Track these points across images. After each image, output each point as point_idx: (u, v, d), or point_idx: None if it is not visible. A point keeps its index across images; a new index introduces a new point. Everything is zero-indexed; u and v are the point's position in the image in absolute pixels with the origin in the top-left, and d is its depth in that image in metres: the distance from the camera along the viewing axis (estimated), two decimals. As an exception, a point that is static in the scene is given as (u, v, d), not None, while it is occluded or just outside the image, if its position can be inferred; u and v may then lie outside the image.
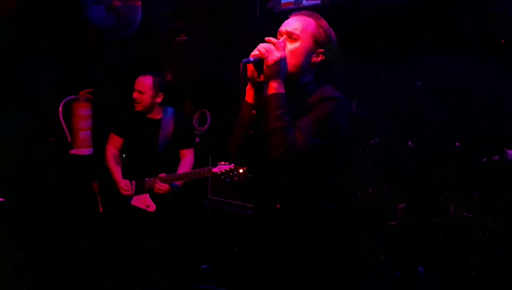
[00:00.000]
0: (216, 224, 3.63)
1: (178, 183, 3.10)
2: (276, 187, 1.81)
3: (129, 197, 3.15)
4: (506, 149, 2.69)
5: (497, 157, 2.72)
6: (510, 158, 2.68)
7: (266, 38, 1.69)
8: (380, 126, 3.09)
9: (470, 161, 2.78)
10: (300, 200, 1.79)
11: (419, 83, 3.00)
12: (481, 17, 2.68)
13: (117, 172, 3.19)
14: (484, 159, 2.76)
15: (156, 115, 3.20)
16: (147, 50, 3.90)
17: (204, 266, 3.57)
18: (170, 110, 3.24)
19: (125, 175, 3.19)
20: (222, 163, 2.88)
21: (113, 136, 3.30)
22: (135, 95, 3.13)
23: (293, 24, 1.75)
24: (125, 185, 3.13)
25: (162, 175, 3.05)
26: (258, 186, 1.91)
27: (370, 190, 3.12)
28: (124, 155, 3.35)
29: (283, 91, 1.66)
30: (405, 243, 2.96)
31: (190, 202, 3.67)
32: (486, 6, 2.66)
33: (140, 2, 3.62)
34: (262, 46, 1.67)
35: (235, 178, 3.46)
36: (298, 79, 1.76)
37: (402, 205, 3.02)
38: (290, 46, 1.73)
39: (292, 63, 1.72)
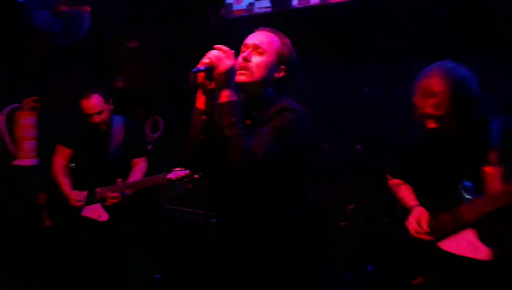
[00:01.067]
0: (170, 233, 3.58)
1: (128, 192, 3.03)
2: (233, 193, 1.83)
3: (80, 208, 3.05)
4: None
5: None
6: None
7: (216, 46, 1.69)
8: (329, 130, 3.19)
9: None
10: (259, 207, 1.80)
11: (367, 88, 3.13)
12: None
13: (66, 183, 3.08)
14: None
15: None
16: (96, 56, 3.81)
17: (157, 276, 3.50)
18: (119, 118, 3.18)
19: (74, 186, 3.09)
20: (177, 169, 2.85)
21: (60, 147, 3.18)
22: (97, 119, 3.01)
23: (259, 38, 1.78)
24: (75, 196, 3.03)
25: (119, 181, 2.99)
26: (214, 192, 1.92)
27: (321, 192, 3.21)
28: (73, 166, 3.23)
29: (235, 98, 1.68)
30: (355, 243, 3.06)
31: (143, 211, 3.59)
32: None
33: (88, 8, 3.53)
34: (212, 54, 1.66)
35: (189, 185, 3.43)
36: (261, 92, 1.79)
37: (351, 206, 3.12)
38: (256, 59, 1.76)
39: (257, 75, 1.75)
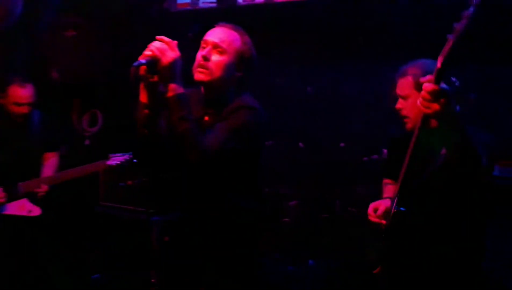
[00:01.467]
0: (108, 231, 3.46)
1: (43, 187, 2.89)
2: (192, 189, 1.81)
3: (1, 205, 2.87)
4: (383, 149, 3.00)
5: (376, 156, 3.02)
6: (386, 157, 3.00)
7: (158, 37, 1.63)
8: (274, 128, 3.22)
9: (353, 160, 3.05)
10: (218, 201, 1.80)
11: (309, 87, 3.20)
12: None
13: None
14: (365, 158, 3.04)
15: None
16: (28, 44, 3.58)
17: (95, 276, 3.38)
18: (36, 112, 3.05)
19: None
20: (115, 155, 2.76)
21: None
22: (25, 110, 2.87)
23: (220, 36, 1.75)
24: None
25: (45, 175, 2.86)
26: (159, 188, 1.89)
27: (266, 189, 3.24)
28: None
29: (182, 90, 1.65)
30: (296, 238, 3.13)
31: (79, 206, 3.45)
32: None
33: (20, -8, 3.31)
34: (155, 46, 1.61)
35: (129, 181, 3.34)
36: (220, 91, 1.78)
37: (294, 202, 3.19)
38: (216, 57, 1.73)
39: (216, 74, 1.73)
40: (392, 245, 1.91)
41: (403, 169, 1.74)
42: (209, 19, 1.84)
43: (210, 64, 1.72)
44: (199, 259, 1.84)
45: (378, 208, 1.96)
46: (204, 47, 1.75)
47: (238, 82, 1.80)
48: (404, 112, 1.85)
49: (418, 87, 1.61)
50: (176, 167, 1.81)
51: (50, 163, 3.07)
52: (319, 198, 3.13)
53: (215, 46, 1.73)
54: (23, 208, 2.89)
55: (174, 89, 1.63)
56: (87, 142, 3.74)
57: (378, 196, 2.95)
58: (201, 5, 3.32)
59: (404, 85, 1.85)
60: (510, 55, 2.61)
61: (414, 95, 1.79)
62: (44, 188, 2.84)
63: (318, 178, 3.13)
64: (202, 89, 1.81)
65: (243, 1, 3.17)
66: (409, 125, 1.85)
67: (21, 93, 2.85)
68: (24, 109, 2.88)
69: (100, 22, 3.62)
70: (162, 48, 1.60)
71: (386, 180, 2.24)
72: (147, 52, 1.61)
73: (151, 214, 3.05)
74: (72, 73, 3.61)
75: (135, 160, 2.65)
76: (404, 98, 1.84)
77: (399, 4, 2.80)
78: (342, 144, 3.11)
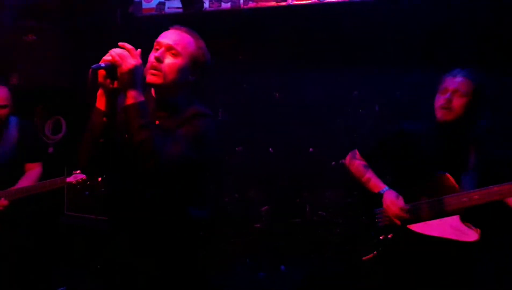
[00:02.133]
0: (72, 242, 3.36)
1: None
2: (141, 197, 1.75)
3: None
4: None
5: (343, 160, 3.06)
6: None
7: (120, 44, 1.59)
8: (243, 134, 3.22)
9: (322, 164, 3.08)
10: (167, 209, 1.76)
11: (277, 94, 3.21)
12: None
13: None
14: (333, 163, 3.07)
15: None
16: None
17: (61, 289, 3.27)
18: (13, 118, 2.91)
19: None
20: (78, 172, 2.67)
21: None
22: (0, 112, 2.76)
23: (174, 38, 1.72)
24: None
25: (15, 187, 2.74)
26: (114, 197, 1.82)
27: (236, 195, 3.23)
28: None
29: (142, 99, 1.61)
30: (268, 244, 3.13)
31: (43, 219, 3.33)
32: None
33: (-24, -5, 3.18)
34: (115, 52, 1.57)
35: (87, 192, 3.25)
36: (173, 94, 1.74)
37: (265, 207, 3.19)
38: (169, 60, 1.70)
39: (169, 78, 1.69)
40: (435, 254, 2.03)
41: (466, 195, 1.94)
42: (174, 24, 1.80)
43: (163, 66, 1.68)
44: (140, 266, 1.78)
45: (398, 205, 2.06)
46: (157, 49, 1.71)
47: (191, 86, 1.78)
48: (450, 105, 2.04)
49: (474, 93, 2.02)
50: (124, 174, 1.74)
51: (31, 174, 2.92)
52: (290, 203, 3.14)
53: (169, 48, 1.70)
54: None
55: (134, 96, 1.59)
56: (50, 149, 3.62)
57: (346, 199, 3.01)
58: (167, 10, 3.28)
59: (465, 84, 2.05)
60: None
61: (470, 97, 2.03)
62: (3, 202, 2.70)
63: (288, 183, 3.14)
64: (152, 91, 1.77)
65: (210, 6, 3.16)
66: (448, 117, 2.05)
67: (1, 94, 2.77)
68: (7, 112, 2.78)
69: (62, 26, 3.52)
70: (123, 54, 1.57)
71: (361, 161, 2.30)
72: (106, 57, 1.58)
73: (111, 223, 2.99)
74: (33, 78, 3.49)
75: (87, 180, 2.58)
76: (460, 95, 2.04)
77: (364, 11, 2.85)
78: (311, 149, 3.14)
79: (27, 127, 2.99)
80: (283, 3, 3.00)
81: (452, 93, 2.05)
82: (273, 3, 3.04)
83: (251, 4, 3.07)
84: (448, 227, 1.98)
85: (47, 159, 3.10)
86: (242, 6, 3.08)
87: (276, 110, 3.18)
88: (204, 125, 1.71)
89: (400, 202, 2.08)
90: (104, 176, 2.28)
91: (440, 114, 2.07)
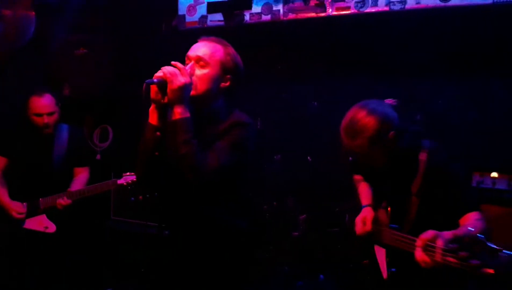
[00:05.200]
0: (119, 245, 3.49)
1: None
2: (188, 207, 1.83)
3: (22, 221, 2.89)
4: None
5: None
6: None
7: (173, 62, 1.69)
8: (282, 142, 3.26)
9: (361, 174, 3.05)
10: (212, 218, 1.82)
11: (316, 103, 3.23)
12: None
13: (4, 194, 2.91)
14: (373, 172, 3.05)
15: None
16: (42, 62, 3.66)
17: (108, 289, 3.40)
18: (64, 126, 3.06)
19: (12, 197, 2.92)
20: (128, 174, 2.78)
21: None
22: (46, 119, 2.86)
23: (201, 49, 1.77)
24: (17, 207, 2.87)
25: (71, 190, 2.88)
26: (167, 207, 1.91)
27: (275, 203, 3.26)
28: (10, 175, 3.04)
29: (188, 115, 1.69)
30: (306, 253, 3.13)
31: (92, 222, 3.48)
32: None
33: (33, 13, 3.39)
34: (167, 70, 1.66)
35: (140, 197, 3.37)
36: (209, 104, 1.80)
37: (303, 216, 3.19)
38: (199, 72, 1.76)
39: (201, 88, 1.75)
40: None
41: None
42: (216, 37, 1.87)
43: (193, 79, 1.74)
44: (189, 276, 1.85)
45: (365, 221, 2.09)
46: (187, 64, 1.78)
47: (226, 93, 1.82)
48: (355, 150, 1.96)
49: None
50: (170, 186, 1.81)
51: (80, 178, 3.05)
52: (328, 212, 3.13)
53: (198, 60, 1.76)
54: (40, 224, 2.91)
55: (180, 112, 1.68)
56: (98, 157, 3.78)
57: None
58: (209, 23, 3.38)
59: (355, 125, 1.92)
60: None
61: (365, 134, 1.88)
62: (66, 201, 2.84)
63: (326, 192, 3.14)
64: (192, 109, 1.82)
65: (250, 19, 3.23)
66: (360, 160, 2.05)
67: (39, 103, 2.85)
68: (45, 120, 2.86)
69: (110, 40, 3.70)
70: (173, 72, 1.66)
71: (357, 176, 2.37)
72: (158, 74, 1.67)
73: (163, 229, 3.08)
74: (83, 89, 3.68)
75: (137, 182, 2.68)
76: (357, 135, 1.92)
77: (402, 21, 2.84)
78: (350, 158, 3.12)
79: (77, 133, 3.13)
80: (322, 14, 3.03)
81: None
82: (312, 14, 3.07)
83: (291, 16, 3.12)
84: (380, 256, 2.09)
85: (95, 165, 3.25)
86: (282, 18, 3.13)
87: (314, 119, 3.20)
88: (243, 134, 1.75)
89: (364, 222, 2.09)
90: (157, 187, 2.40)
91: None
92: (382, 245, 2.06)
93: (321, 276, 3.03)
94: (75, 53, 3.69)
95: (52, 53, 3.68)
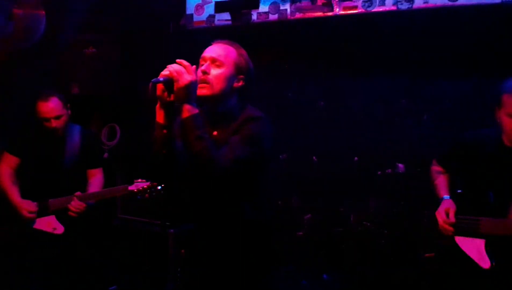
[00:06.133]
0: (125, 243, 3.51)
1: (91, 201, 2.93)
2: (206, 203, 1.86)
3: (32, 220, 2.91)
4: (397, 163, 3.00)
5: (389, 170, 3.02)
6: (400, 171, 2.99)
7: (178, 60, 1.71)
8: (288, 142, 3.26)
9: (367, 174, 3.05)
10: (231, 214, 1.85)
11: (322, 103, 3.23)
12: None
13: (15, 193, 2.91)
14: (379, 172, 3.04)
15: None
16: (51, 61, 3.70)
17: (112, 287, 3.42)
18: (76, 127, 3.07)
19: (23, 197, 2.94)
20: (139, 180, 2.79)
21: (7, 155, 3.02)
22: (55, 123, 2.85)
23: (216, 51, 1.84)
24: (27, 207, 2.88)
25: (78, 193, 2.88)
26: (179, 204, 1.94)
27: (279, 202, 3.26)
28: (21, 175, 3.06)
29: (197, 111, 1.72)
30: (310, 252, 3.12)
31: (98, 222, 3.50)
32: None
33: (43, 12, 3.43)
34: (173, 68, 1.68)
35: (146, 195, 3.38)
36: (223, 103, 1.84)
37: (308, 216, 3.19)
38: (215, 71, 1.81)
39: (217, 87, 1.80)
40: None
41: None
42: (224, 36, 1.90)
43: (209, 78, 1.79)
44: (214, 270, 1.88)
45: (448, 212, 2.08)
46: (202, 64, 1.82)
47: (239, 92, 1.86)
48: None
49: None
50: (189, 182, 1.84)
51: (96, 179, 3.04)
52: (333, 212, 3.13)
53: (213, 61, 1.81)
54: (49, 224, 2.93)
55: (189, 110, 1.70)
56: (105, 155, 3.80)
57: (391, 210, 2.96)
58: (216, 22, 3.39)
59: None
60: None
61: None
62: (80, 205, 2.82)
63: (331, 191, 3.14)
64: (205, 106, 1.86)
65: (257, 18, 3.24)
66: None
67: (46, 108, 2.85)
68: (54, 123, 2.85)
69: (118, 39, 3.73)
70: (179, 70, 1.68)
71: (437, 167, 2.32)
72: (164, 72, 1.69)
73: (167, 227, 3.10)
74: (92, 88, 3.70)
75: (159, 187, 2.68)
76: None
77: (410, 20, 2.83)
78: (356, 158, 3.12)
79: (89, 135, 3.13)
80: (330, 13, 3.03)
81: None
82: (319, 14, 3.07)
83: (298, 15, 3.12)
84: (473, 248, 2.03)
85: (102, 164, 3.27)
86: (289, 17, 3.14)
87: (321, 119, 3.20)
88: (257, 127, 1.78)
89: (448, 214, 2.09)
90: (164, 184, 2.42)
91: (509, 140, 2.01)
92: (479, 235, 2.04)
93: (325, 275, 3.03)
94: (84, 52, 3.72)
95: (61, 52, 3.72)
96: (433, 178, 2.31)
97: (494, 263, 1.97)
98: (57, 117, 2.88)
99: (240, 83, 1.85)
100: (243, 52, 1.88)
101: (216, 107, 1.84)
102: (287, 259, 3.15)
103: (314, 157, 3.22)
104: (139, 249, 3.38)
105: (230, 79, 1.82)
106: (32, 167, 3.00)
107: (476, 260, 2.01)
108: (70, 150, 3.00)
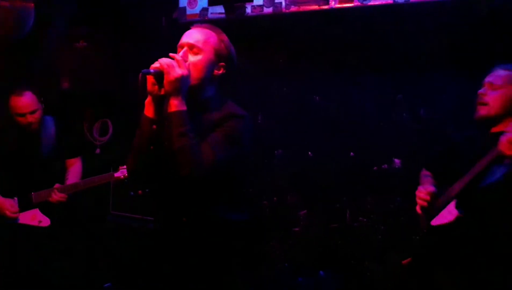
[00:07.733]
0: (118, 240, 3.48)
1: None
2: (182, 202, 1.79)
3: (16, 218, 2.86)
4: (393, 159, 2.98)
5: (386, 165, 3.00)
6: (397, 166, 2.97)
7: (170, 54, 1.65)
8: (283, 137, 3.23)
9: (363, 169, 3.03)
10: (207, 213, 1.79)
11: (317, 97, 3.19)
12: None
13: None
14: (375, 168, 3.02)
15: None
16: (40, 55, 3.63)
17: (107, 284, 3.39)
18: (49, 118, 3.02)
19: (4, 192, 2.88)
20: (124, 167, 2.75)
21: None
22: (30, 118, 2.80)
23: (194, 36, 1.73)
24: (10, 206, 2.82)
25: (57, 185, 2.83)
26: (161, 201, 1.87)
27: (275, 198, 3.23)
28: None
29: (184, 108, 1.64)
30: (306, 248, 3.11)
31: (90, 217, 3.46)
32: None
33: (32, 4, 3.35)
34: (164, 61, 1.62)
35: (139, 191, 3.35)
36: (201, 92, 1.76)
37: (304, 211, 3.17)
38: (192, 58, 1.71)
39: (194, 76, 1.70)
40: (436, 244, 2.01)
41: (467, 178, 1.89)
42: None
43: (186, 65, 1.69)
44: (186, 271, 1.81)
45: (426, 189, 2.03)
46: (180, 51, 1.72)
47: (219, 81, 1.78)
48: (485, 99, 1.97)
49: None
50: (167, 179, 1.77)
51: (74, 169, 3.02)
52: (329, 208, 3.11)
53: (191, 47, 1.71)
54: (34, 218, 2.89)
55: (176, 105, 1.64)
56: (97, 150, 3.76)
57: (388, 206, 2.95)
58: (210, 16, 3.34)
59: (501, 76, 1.96)
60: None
61: (506, 89, 1.94)
62: (61, 196, 2.81)
63: (327, 187, 3.12)
64: None
65: (252, 11, 3.19)
66: (482, 112, 1.98)
67: (20, 103, 2.79)
68: (28, 119, 2.80)
69: (110, 33, 3.67)
70: (170, 63, 1.62)
71: (425, 172, 2.29)
72: (155, 65, 1.63)
73: (155, 223, 3.07)
74: (83, 82, 3.65)
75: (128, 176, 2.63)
76: (494, 87, 1.96)
77: (407, 14, 2.80)
78: (352, 154, 3.10)
79: (64, 125, 3.07)
80: (325, 7, 2.98)
81: (487, 86, 1.98)
82: (315, 7, 3.03)
83: (293, 8, 3.08)
84: (447, 214, 1.98)
85: (94, 159, 3.22)
86: (284, 10, 3.09)
87: (316, 114, 3.17)
88: (238, 126, 1.71)
89: (429, 187, 2.05)
90: (147, 189, 2.36)
91: (477, 111, 2.01)
92: (451, 198, 1.98)
93: (321, 272, 3.02)
94: (75, 46, 3.65)
95: (52, 46, 3.65)
96: (421, 182, 2.26)
97: (460, 214, 1.91)
98: (32, 112, 2.82)
99: (221, 71, 1.75)
100: (224, 37, 1.77)
101: (193, 96, 1.73)
102: (282, 256, 3.14)
103: (309, 153, 3.19)
104: (132, 246, 3.36)
105: (209, 66, 1.72)
106: (7, 163, 2.93)
107: (446, 221, 1.97)
108: (45, 142, 2.95)
